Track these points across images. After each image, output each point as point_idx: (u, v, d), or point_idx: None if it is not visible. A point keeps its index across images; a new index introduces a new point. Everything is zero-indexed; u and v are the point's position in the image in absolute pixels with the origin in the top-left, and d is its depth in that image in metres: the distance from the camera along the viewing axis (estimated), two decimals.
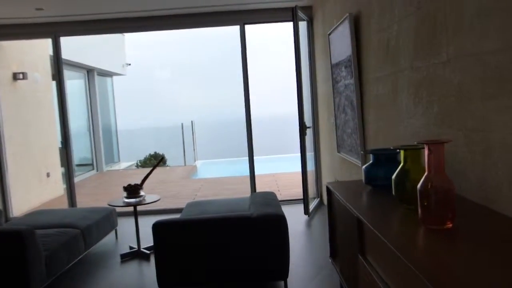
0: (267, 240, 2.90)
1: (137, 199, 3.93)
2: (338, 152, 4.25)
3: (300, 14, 4.97)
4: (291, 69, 4.90)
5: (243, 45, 5.43)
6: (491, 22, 1.58)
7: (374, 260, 1.66)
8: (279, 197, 5.01)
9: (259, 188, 5.57)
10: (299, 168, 5.03)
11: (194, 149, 11.95)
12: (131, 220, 4.41)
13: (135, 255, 3.93)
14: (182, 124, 11.91)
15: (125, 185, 4.01)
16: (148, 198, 4.00)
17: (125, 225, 4.83)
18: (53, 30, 5.40)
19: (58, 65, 5.50)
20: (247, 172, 5.75)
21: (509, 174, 1.53)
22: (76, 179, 5.85)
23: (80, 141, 9.71)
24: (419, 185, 1.47)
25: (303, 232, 4.51)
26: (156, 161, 11.64)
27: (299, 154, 4.96)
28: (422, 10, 2.17)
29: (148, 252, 3.90)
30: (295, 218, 4.85)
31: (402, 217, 1.71)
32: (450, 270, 1.16)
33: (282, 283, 3.06)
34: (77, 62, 8.93)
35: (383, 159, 2.18)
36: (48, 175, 7.24)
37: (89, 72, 10.21)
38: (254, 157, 5.60)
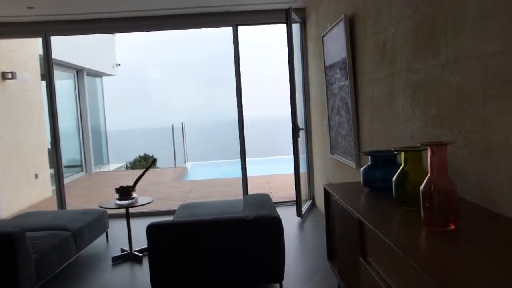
0: (263, 242, 2.88)
1: (130, 201, 3.87)
2: (332, 154, 4.25)
3: (294, 16, 4.97)
4: (283, 70, 4.90)
5: (235, 47, 5.40)
6: (492, 24, 1.59)
7: (375, 261, 1.66)
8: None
9: (251, 190, 5.54)
10: (291, 170, 5.01)
11: (184, 151, 11.88)
12: (122, 222, 4.35)
13: (127, 258, 3.87)
14: (172, 125, 11.85)
15: (116, 186, 3.94)
16: (141, 200, 3.94)
17: (116, 227, 4.76)
18: (44, 29, 5.32)
19: (48, 64, 5.42)
20: (237, 174, 5.72)
21: (511, 176, 1.53)
22: (64, 181, 5.75)
23: (69, 142, 9.58)
24: (422, 187, 1.47)
25: (296, 234, 4.50)
26: (146, 162, 11.54)
27: (291, 156, 4.94)
28: (420, 13, 2.18)
29: (140, 254, 3.84)
30: (288, 220, 4.83)
31: (403, 219, 1.71)
32: (453, 270, 1.18)
33: (278, 285, 3.04)
34: (66, 62, 8.83)
35: (382, 161, 2.18)
36: (36, 176, 7.12)
37: (79, 72, 10.10)
38: (246, 159, 5.57)
